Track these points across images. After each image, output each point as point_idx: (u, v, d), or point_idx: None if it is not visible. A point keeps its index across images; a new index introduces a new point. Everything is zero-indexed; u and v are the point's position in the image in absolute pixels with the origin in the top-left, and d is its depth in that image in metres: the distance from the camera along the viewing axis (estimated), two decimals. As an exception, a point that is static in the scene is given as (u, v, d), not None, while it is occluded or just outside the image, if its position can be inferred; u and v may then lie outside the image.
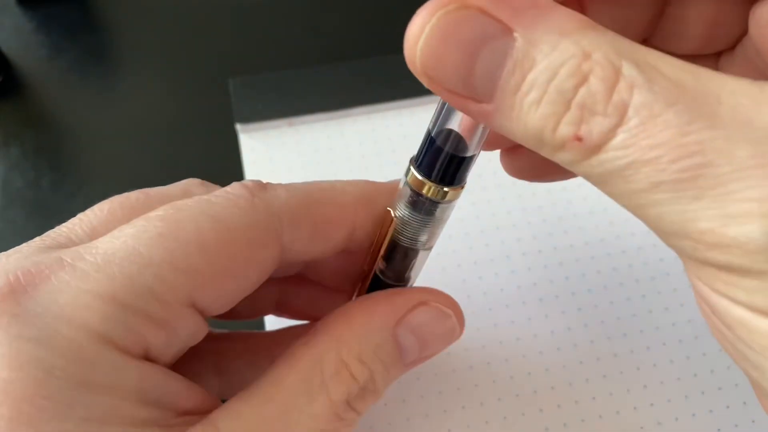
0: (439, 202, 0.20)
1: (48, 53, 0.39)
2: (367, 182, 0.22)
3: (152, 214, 0.18)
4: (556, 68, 0.14)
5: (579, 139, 0.14)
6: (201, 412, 0.19)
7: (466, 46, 0.14)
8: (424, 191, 0.19)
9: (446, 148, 0.19)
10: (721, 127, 0.13)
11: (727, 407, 0.28)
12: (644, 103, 0.13)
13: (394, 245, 0.21)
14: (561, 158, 0.15)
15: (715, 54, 0.21)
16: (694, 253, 0.14)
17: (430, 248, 0.22)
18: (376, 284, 0.23)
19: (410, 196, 0.20)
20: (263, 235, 0.19)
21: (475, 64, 0.14)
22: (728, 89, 0.14)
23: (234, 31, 0.40)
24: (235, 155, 0.35)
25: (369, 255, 0.22)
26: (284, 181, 0.33)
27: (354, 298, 0.24)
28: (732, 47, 0.21)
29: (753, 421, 0.27)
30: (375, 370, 0.20)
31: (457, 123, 0.18)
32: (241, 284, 0.19)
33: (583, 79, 0.14)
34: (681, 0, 0.20)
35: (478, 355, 0.29)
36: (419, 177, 0.19)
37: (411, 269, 0.22)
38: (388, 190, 0.22)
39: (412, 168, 0.20)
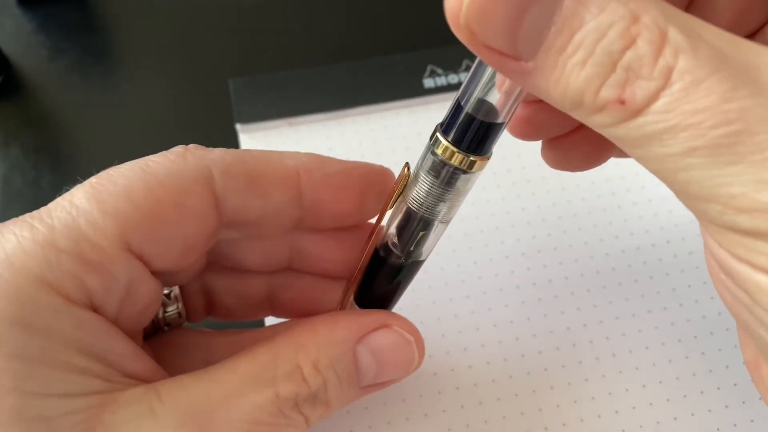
0: (464, 171, 0.19)
1: (48, 53, 0.39)
2: (312, 153, 0.23)
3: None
4: (605, 29, 0.14)
5: (622, 102, 0.14)
6: (149, 380, 0.19)
7: (515, 2, 0.14)
8: (452, 160, 0.19)
9: (478, 116, 0.18)
10: (762, 96, 0.13)
11: (726, 407, 0.28)
12: (688, 68, 0.14)
13: (408, 214, 0.21)
14: (596, 120, 0.15)
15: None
16: (720, 217, 0.14)
17: (447, 222, 0.21)
18: (382, 257, 0.22)
19: (435, 163, 0.19)
20: (190, 183, 0.20)
21: (523, 20, 0.14)
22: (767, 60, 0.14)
23: (234, 31, 0.40)
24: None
25: (373, 225, 0.22)
26: None
27: (353, 277, 0.24)
28: (755, 32, 0.21)
29: (752, 421, 0.27)
30: (329, 380, 0.20)
31: (488, 90, 0.18)
32: (175, 230, 0.20)
33: (631, 42, 0.14)
34: None
35: (477, 355, 0.29)
36: (447, 144, 0.19)
37: (425, 242, 0.22)
38: (341, 164, 0.22)
39: (438, 134, 0.19)
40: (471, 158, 0.19)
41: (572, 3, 0.14)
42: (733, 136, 0.13)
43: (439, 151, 0.19)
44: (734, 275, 0.15)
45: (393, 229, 0.22)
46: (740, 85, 0.13)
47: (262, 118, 0.35)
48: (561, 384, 0.28)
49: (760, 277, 0.15)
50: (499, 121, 0.18)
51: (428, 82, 0.36)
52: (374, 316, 0.22)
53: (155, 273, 0.21)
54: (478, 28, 0.15)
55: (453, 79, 0.37)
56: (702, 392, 0.28)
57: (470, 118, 0.18)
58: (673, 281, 0.31)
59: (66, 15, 0.40)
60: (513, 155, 0.35)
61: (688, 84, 0.13)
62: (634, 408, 0.28)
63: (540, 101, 0.21)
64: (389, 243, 0.22)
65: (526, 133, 0.22)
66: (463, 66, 0.37)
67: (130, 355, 0.19)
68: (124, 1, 0.41)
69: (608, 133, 0.15)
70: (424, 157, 0.20)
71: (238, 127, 0.35)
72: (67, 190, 0.20)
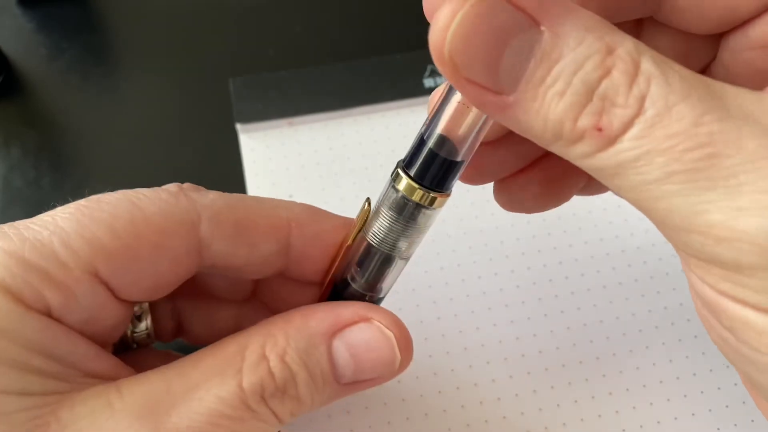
0: (425, 208, 0.19)
1: (48, 53, 0.39)
2: (307, 205, 0.23)
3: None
4: (582, 61, 0.14)
5: (599, 129, 0.14)
6: (111, 378, 0.19)
7: (497, 35, 0.15)
8: (413, 196, 0.19)
9: (440, 153, 0.18)
10: (730, 120, 0.14)
11: (727, 406, 0.28)
12: (660, 94, 0.14)
13: (369, 250, 0.21)
14: (575, 151, 0.15)
15: None
16: (701, 249, 0.14)
17: (407, 258, 0.21)
18: (341, 291, 0.22)
19: (396, 200, 0.20)
20: (177, 225, 0.20)
21: (504, 53, 0.15)
22: (732, 91, 0.14)
23: (234, 31, 0.40)
24: (236, 155, 0.35)
25: (334, 256, 0.22)
26: (284, 180, 0.33)
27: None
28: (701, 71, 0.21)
29: (752, 421, 0.27)
30: (297, 374, 0.19)
31: (450, 127, 0.18)
32: (149, 267, 0.20)
33: (607, 72, 0.14)
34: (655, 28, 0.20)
35: (477, 354, 0.29)
36: (407, 181, 0.19)
37: (384, 278, 0.22)
38: (333, 220, 0.22)
39: (400, 171, 0.19)
40: (432, 195, 0.19)
41: (551, 37, 0.14)
42: (706, 159, 0.14)
43: (400, 187, 0.19)
44: (719, 312, 0.15)
45: (355, 265, 0.22)
46: (710, 110, 0.14)
47: (262, 117, 0.35)
48: (561, 384, 0.28)
49: (746, 313, 0.15)
50: (459, 159, 0.19)
51: (428, 82, 0.36)
52: (353, 308, 0.21)
53: (123, 300, 0.21)
54: (460, 60, 0.15)
55: None
56: (702, 392, 0.28)
57: (433, 155, 0.18)
58: (674, 281, 0.31)
59: (66, 15, 0.40)
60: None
61: (661, 109, 0.14)
62: (634, 408, 0.28)
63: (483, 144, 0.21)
64: (349, 277, 0.22)
65: (470, 177, 0.22)
66: None
67: (93, 356, 0.19)
68: (124, 1, 0.41)
69: (587, 164, 0.15)
70: (385, 193, 0.20)
71: (238, 126, 0.35)
72: (55, 205, 0.20)
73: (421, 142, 0.19)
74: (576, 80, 0.14)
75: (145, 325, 0.24)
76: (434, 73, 0.37)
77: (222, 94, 0.37)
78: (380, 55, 0.38)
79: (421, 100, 0.36)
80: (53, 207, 0.20)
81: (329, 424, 0.27)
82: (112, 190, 0.21)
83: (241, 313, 0.25)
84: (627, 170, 0.14)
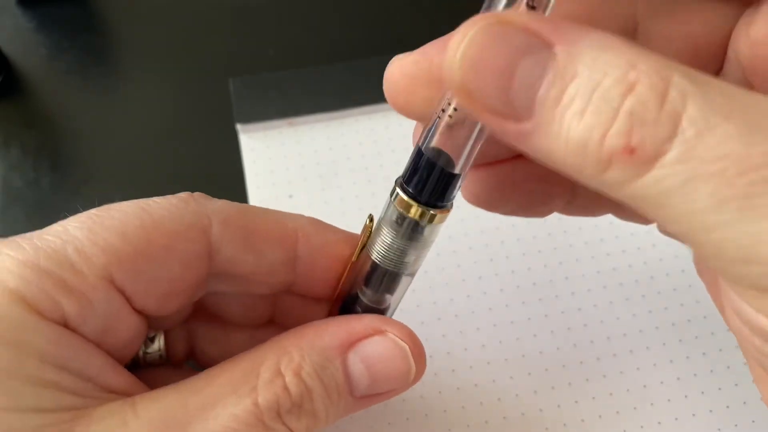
0: (425, 225, 0.19)
1: (48, 53, 0.39)
2: (313, 218, 0.23)
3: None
4: (599, 77, 0.13)
5: (631, 151, 0.13)
6: (127, 394, 0.19)
7: (505, 57, 0.14)
8: (411, 213, 0.19)
9: (436, 169, 0.18)
10: None
11: (727, 407, 0.28)
12: (700, 113, 0.13)
13: (374, 267, 0.21)
14: (609, 178, 0.14)
15: None
16: (759, 281, 0.13)
17: (412, 274, 0.21)
18: (351, 306, 0.22)
19: (396, 217, 0.19)
20: (187, 229, 0.20)
21: (514, 75, 0.14)
22: None
23: (234, 31, 0.40)
24: (236, 155, 0.35)
25: (341, 272, 0.22)
26: (284, 180, 0.33)
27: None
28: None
29: (753, 422, 0.27)
30: (313, 389, 0.19)
31: (444, 141, 0.18)
32: (162, 272, 0.20)
33: (630, 88, 0.13)
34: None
35: (477, 355, 0.29)
36: (406, 198, 0.19)
37: (392, 294, 0.22)
38: (339, 233, 0.22)
39: (398, 188, 0.19)
40: (431, 212, 0.19)
41: (564, 57, 0.13)
42: (763, 183, 0.12)
43: (399, 205, 0.19)
44: (762, 332, 0.15)
45: (361, 282, 0.22)
46: (758, 129, 0.12)
47: (262, 117, 0.35)
48: (562, 384, 0.28)
49: None
50: (457, 172, 0.18)
51: None
52: (366, 321, 0.21)
53: (138, 311, 0.20)
54: (473, 86, 0.14)
55: None
56: (703, 392, 0.28)
57: (429, 170, 0.18)
58: (674, 281, 0.31)
59: (66, 15, 0.40)
60: (513, 155, 0.34)
61: (702, 129, 0.12)
62: (635, 408, 0.28)
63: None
64: (358, 292, 0.22)
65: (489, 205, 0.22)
66: None
67: (109, 369, 0.19)
68: (125, 1, 0.41)
69: (625, 195, 0.14)
70: (385, 210, 0.20)
71: (239, 127, 0.35)
72: (66, 216, 0.20)
73: (416, 157, 0.18)
74: (596, 97, 0.13)
75: (157, 345, 0.24)
76: None
77: (222, 94, 0.37)
78: (381, 54, 0.38)
79: None
80: (62, 215, 0.20)
81: (329, 425, 0.27)
82: (112, 190, 0.21)
83: (255, 337, 0.25)
84: (671, 199, 0.13)
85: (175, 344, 0.25)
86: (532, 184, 0.21)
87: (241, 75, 0.37)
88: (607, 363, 0.29)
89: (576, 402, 0.28)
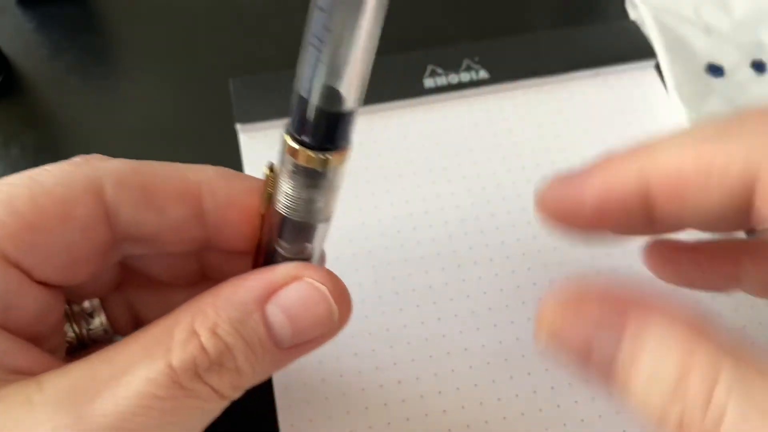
0: (321, 171, 0.18)
1: (48, 53, 0.39)
2: (221, 168, 0.22)
3: None
4: (659, 363, 0.15)
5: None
6: (38, 374, 0.18)
7: (585, 330, 0.17)
8: (302, 160, 0.17)
9: (321, 106, 0.16)
10: None
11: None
12: (741, 415, 0.14)
13: (284, 219, 0.19)
14: None
15: None
16: None
17: (327, 219, 0.20)
18: (272, 259, 0.21)
19: (291, 166, 0.18)
20: (80, 194, 0.19)
21: (592, 351, 0.17)
22: None
23: (234, 31, 0.40)
24: (236, 155, 0.35)
25: (256, 224, 0.21)
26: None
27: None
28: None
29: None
30: (233, 345, 0.18)
31: (332, 75, 0.16)
32: (59, 241, 0.19)
33: (684, 376, 0.15)
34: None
35: (477, 355, 0.29)
36: (294, 145, 0.17)
37: (310, 243, 0.20)
38: (247, 181, 0.21)
39: (285, 135, 0.17)
40: (322, 156, 0.17)
41: (632, 339, 0.16)
42: None
43: (288, 152, 0.18)
44: None
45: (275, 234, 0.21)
46: None
47: (262, 118, 0.35)
48: (562, 385, 0.28)
49: None
50: (347, 109, 0.17)
51: (429, 82, 0.36)
52: (282, 270, 0.20)
53: (45, 284, 0.20)
54: (559, 348, 0.17)
55: (454, 79, 0.36)
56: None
57: (313, 110, 0.16)
58: (674, 281, 0.31)
59: (66, 15, 0.40)
60: (512, 155, 0.34)
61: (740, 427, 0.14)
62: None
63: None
64: (276, 245, 0.21)
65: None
66: (464, 65, 0.37)
67: (16, 350, 0.19)
68: (124, 1, 0.41)
69: None
70: (281, 160, 0.18)
71: (239, 127, 0.35)
72: None
73: (298, 95, 0.17)
74: (655, 380, 0.16)
75: (99, 321, 0.23)
76: (434, 73, 0.37)
77: (222, 94, 0.37)
78: (380, 54, 0.38)
79: (422, 100, 0.36)
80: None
81: (329, 424, 0.27)
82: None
83: (195, 294, 0.24)
84: None
85: (117, 316, 0.24)
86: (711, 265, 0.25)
87: (241, 75, 0.37)
88: (607, 363, 0.29)
89: (576, 402, 0.28)
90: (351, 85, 0.16)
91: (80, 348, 0.24)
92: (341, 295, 0.20)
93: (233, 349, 0.18)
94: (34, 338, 0.20)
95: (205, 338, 0.18)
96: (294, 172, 0.18)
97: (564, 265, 0.31)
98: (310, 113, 0.16)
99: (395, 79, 0.36)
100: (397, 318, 0.30)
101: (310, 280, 0.20)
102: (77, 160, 0.20)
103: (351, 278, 0.30)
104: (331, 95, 0.16)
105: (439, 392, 0.28)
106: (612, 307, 0.17)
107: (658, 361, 0.16)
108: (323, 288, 0.20)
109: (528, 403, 0.28)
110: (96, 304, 0.24)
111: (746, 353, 0.15)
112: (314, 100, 0.16)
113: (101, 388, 0.17)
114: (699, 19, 0.39)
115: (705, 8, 0.39)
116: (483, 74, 0.37)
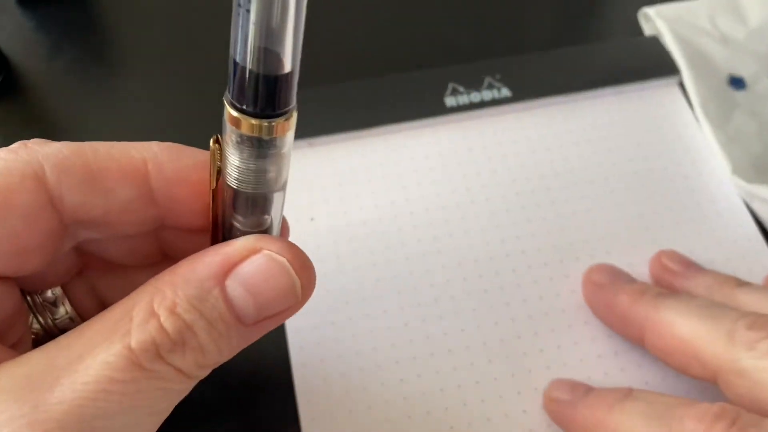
0: (266, 139, 0.17)
1: (48, 53, 0.39)
2: (167, 143, 0.21)
3: None
4: None
5: None
6: None
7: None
8: (244, 129, 0.16)
9: (255, 69, 0.15)
10: None
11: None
12: None
13: (236, 192, 0.19)
14: None
15: None
16: None
17: (282, 188, 0.19)
18: (229, 235, 0.20)
19: (235, 137, 0.17)
20: (17, 179, 0.18)
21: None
22: None
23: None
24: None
25: (208, 199, 0.20)
26: (305, 201, 0.33)
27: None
28: None
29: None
30: (193, 323, 0.18)
31: (265, 36, 0.15)
32: (1, 231, 0.18)
33: None
34: None
35: (479, 352, 0.29)
36: (235, 113, 0.16)
37: (267, 214, 0.20)
38: (195, 155, 0.21)
39: (225, 100, 0.16)
40: (266, 123, 0.16)
41: None
42: None
43: (230, 122, 0.16)
44: None
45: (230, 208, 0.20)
46: None
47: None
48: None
49: None
50: (286, 70, 0.15)
51: (450, 101, 0.35)
52: (240, 243, 0.19)
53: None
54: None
55: (476, 97, 0.35)
56: (706, 387, 0.28)
57: (247, 74, 0.15)
58: (674, 279, 0.31)
59: (66, 15, 0.40)
60: (512, 153, 0.35)
61: None
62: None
63: None
64: (233, 220, 0.20)
65: None
66: (486, 84, 0.36)
67: None
68: (124, 1, 0.41)
69: None
70: (224, 131, 0.17)
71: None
72: None
73: (234, 64, 0.15)
74: None
75: (64, 309, 0.23)
76: (456, 92, 0.36)
77: (222, 94, 0.36)
78: (399, 72, 0.37)
79: (443, 119, 0.35)
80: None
81: (331, 423, 0.27)
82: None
83: (157, 274, 0.23)
84: None
85: (82, 302, 0.24)
86: None
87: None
88: (609, 361, 0.29)
89: (577, 399, 0.28)
90: (286, 45, 0.15)
91: (48, 339, 0.23)
92: (302, 266, 0.19)
93: (194, 327, 0.18)
94: None
95: (164, 318, 0.18)
96: (239, 143, 0.17)
97: (565, 263, 0.31)
98: (248, 79, 0.15)
99: (415, 97, 0.35)
100: (398, 316, 0.30)
101: (269, 252, 0.19)
102: (15, 146, 0.19)
103: (352, 276, 0.31)
104: (268, 58, 0.15)
105: (441, 390, 0.28)
106: None
107: None
108: (282, 259, 0.19)
109: (530, 400, 0.28)
110: (59, 293, 0.23)
111: None
112: (250, 64, 0.15)
113: (59, 375, 0.17)
114: (715, 30, 0.38)
115: (720, 18, 0.38)
116: (505, 92, 0.36)
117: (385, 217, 0.32)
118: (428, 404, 0.28)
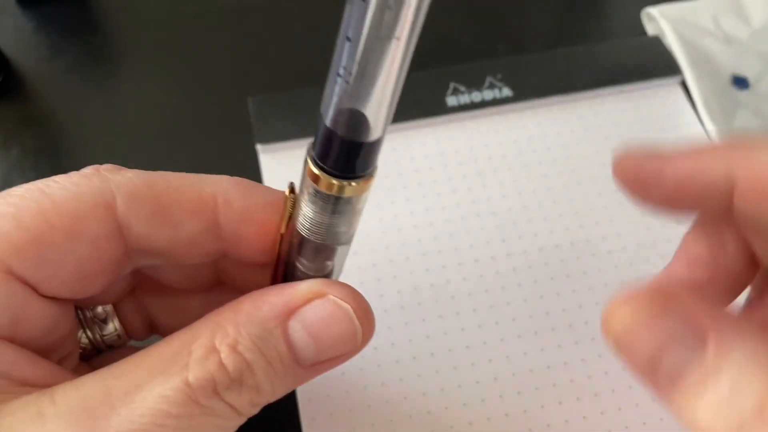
0: (340, 197, 0.17)
1: (48, 53, 0.39)
2: (237, 178, 0.21)
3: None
4: (737, 392, 0.14)
5: None
6: (50, 386, 0.18)
7: (656, 340, 0.15)
8: (323, 187, 0.17)
9: (343, 133, 0.15)
10: None
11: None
12: None
13: (302, 239, 0.19)
14: None
15: None
16: None
17: (348, 242, 0.19)
18: (291, 274, 0.21)
19: (312, 191, 0.17)
20: (90, 208, 0.19)
21: (663, 359, 0.15)
22: None
23: (235, 31, 0.40)
24: (254, 165, 0.34)
25: (275, 238, 0.21)
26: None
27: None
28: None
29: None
30: (254, 362, 0.18)
31: (358, 106, 0.15)
32: (67, 256, 0.19)
33: (763, 409, 0.14)
34: None
35: (480, 352, 0.29)
36: (316, 170, 0.16)
37: (330, 262, 0.20)
38: (266, 195, 0.21)
39: (308, 158, 0.16)
40: (346, 183, 0.16)
41: (714, 356, 0.14)
42: None
43: (309, 177, 0.17)
44: None
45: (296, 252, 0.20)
46: None
47: (283, 138, 0.34)
48: (564, 381, 0.28)
49: None
50: (373, 138, 0.16)
51: (451, 100, 0.35)
52: (305, 286, 0.19)
53: (50, 298, 0.19)
54: (625, 355, 0.16)
55: (477, 97, 0.36)
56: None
57: (334, 138, 0.15)
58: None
59: (66, 15, 0.40)
60: (514, 152, 0.34)
61: None
62: (637, 405, 0.28)
63: None
64: (296, 261, 0.20)
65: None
66: (487, 83, 0.36)
67: (24, 362, 0.18)
68: (124, 1, 0.41)
69: None
70: (302, 182, 0.18)
71: (259, 147, 0.34)
72: None
73: (324, 127, 0.16)
74: (731, 410, 0.14)
75: (113, 326, 0.23)
76: (457, 91, 0.36)
77: (223, 94, 0.37)
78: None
79: (444, 118, 0.35)
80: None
81: (331, 422, 0.27)
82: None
83: (209, 300, 0.23)
84: None
85: (131, 320, 0.24)
86: None
87: (240, 75, 0.36)
88: (609, 360, 0.29)
89: (578, 399, 0.28)
90: (378, 116, 0.15)
91: (95, 353, 0.23)
92: (365, 314, 0.19)
93: (254, 367, 0.18)
94: (44, 349, 0.20)
95: (225, 355, 0.18)
96: (315, 197, 0.17)
97: (565, 262, 0.31)
98: (335, 143, 0.16)
99: (417, 96, 0.35)
100: (398, 316, 0.30)
101: (334, 297, 0.19)
102: (88, 171, 0.20)
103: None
104: (357, 125, 0.15)
105: (442, 389, 0.28)
106: (689, 321, 0.15)
107: (736, 389, 0.14)
108: (347, 306, 0.19)
109: (530, 400, 0.28)
110: (109, 310, 0.23)
111: None
112: (339, 130, 0.15)
113: (116, 404, 0.17)
114: (718, 29, 0.38)
115: (723, 18, 0.39)
116: (507, 92, 0.36)
117: (386, 217, 0.32)
118: (428, 404, 0.28)
